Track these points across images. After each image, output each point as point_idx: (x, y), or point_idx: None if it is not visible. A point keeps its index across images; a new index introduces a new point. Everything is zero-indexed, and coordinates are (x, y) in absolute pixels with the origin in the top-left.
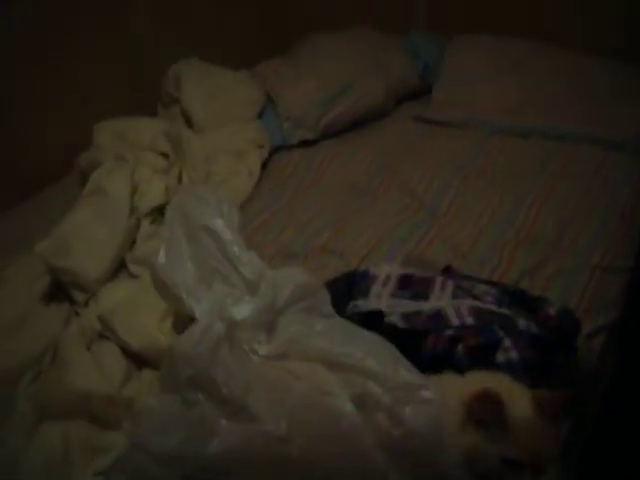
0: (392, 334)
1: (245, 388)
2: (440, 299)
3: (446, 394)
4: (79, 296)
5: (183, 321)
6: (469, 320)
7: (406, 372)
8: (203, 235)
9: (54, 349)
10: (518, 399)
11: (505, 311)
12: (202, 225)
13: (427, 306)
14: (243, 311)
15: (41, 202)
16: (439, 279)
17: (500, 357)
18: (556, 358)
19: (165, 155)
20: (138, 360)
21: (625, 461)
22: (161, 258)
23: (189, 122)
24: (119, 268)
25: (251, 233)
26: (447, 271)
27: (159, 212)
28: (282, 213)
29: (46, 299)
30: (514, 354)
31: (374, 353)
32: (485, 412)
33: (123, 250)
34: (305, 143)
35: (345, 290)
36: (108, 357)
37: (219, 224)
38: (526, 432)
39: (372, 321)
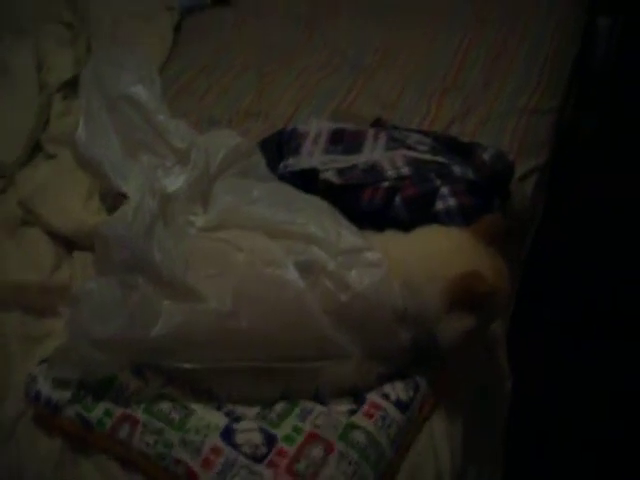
0: (327, 191)
1: (185, 266)
2: (374, 151)
3: (392, 254)
4: None
5: (111, 197)
6: (405, 170)
7: (350, 236)
8: (124, 104)
9: None
10: (476, 251)
11: (440, 159)
12: (122, 93)
13: (361, 159)
14: (175, 182)
15: None
16: (371, 131)
17: (438, 205)
18: (493, 203)
19: (69, 26)
20: (67, 243)
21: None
22: (81, 132)
23: None
24: (34, 150)
25: (170, 100)
26: (377, 123)
27: (71, 87)
28: (201, 76)
29: None
30: (452, 201)
31: (316, 218)
32: (472, 299)
33: (37, 130)
34: (218, 2)
35: (275, 150)
36: (35, 244)
37: (140, 91)
38: (498, 284)
39: (306, 179)
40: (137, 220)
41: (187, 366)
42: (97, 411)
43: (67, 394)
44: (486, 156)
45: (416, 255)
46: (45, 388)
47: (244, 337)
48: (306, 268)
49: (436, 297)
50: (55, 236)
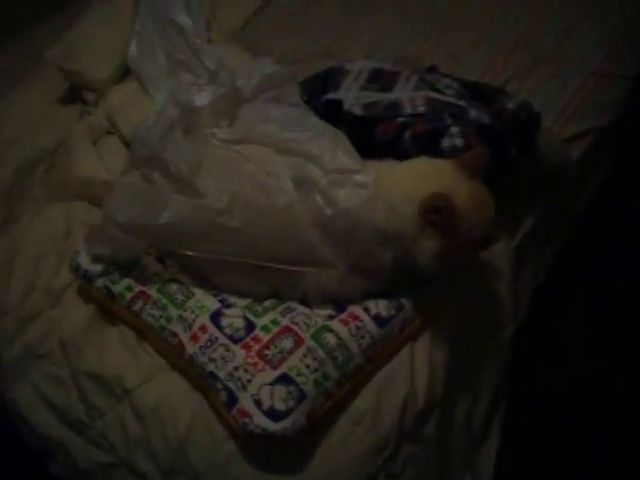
0: (350, 122)
1: (195, 167)
2: (402, 91)
3: (383, 179)
4: (89, 96)
5: None
6: (421, 109)
7: (344, 157)
8: (171, 29)
9: (66, 144)
10: (452, 178)
11: (461, 103)
12: (170, 19)
13: (387, 97)
14: (203, 98)
15: (63, 20)
16: (405, 72)
17: (445, 143)
18: (509, 151)
19: None
20: None
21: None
22: (132, 50)
23: None
24: (127, 71)
25: (260, 39)
26: (430, 70)
27: None
28: (292, 19)
29: (63, 102)
30: (459, 141)
31: (317, 138)
32: (441, 218)
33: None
34: None
35: (320, 85)
36: (112, 151)
37: (185, 18)
38: (473, 209)
39: (333, 110)
40: (157, 124)
41: (186, 253)
42: (120, 285)
43: (99, 268)
44: (510, 104)
45: (400, 181)
46: (84, 261)
47: (235, 234)
48: (301, 182)
49: (412, 217)
50: (129, 146)
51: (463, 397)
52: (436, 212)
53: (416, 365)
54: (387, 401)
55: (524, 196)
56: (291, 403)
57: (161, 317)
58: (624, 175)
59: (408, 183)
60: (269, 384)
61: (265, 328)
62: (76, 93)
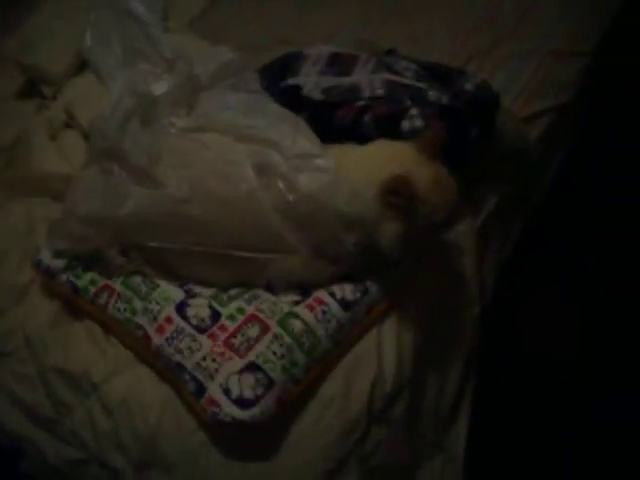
0: (310, 107)
1: (154, 157)
2: (361, 74)
3: (344, 163)
4: (47, 90)
5: None
6: (380, 91)
7: (304, 142)
8: (126, 18)
9: (25, 139)
10: (413, 160)
11: (420, 84)
12: (125, 8)
13: (346, 81)
14: (161, 87)
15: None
16: (364, 56)
17: (405, 125)
18: (469, 131)
19: None
20: None
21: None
22: (88, 41)
23: None
24: (85, 64)
25: (219, 27)
26: (389, 53)
27: None
28: (249, 6)
29: (20, 97)
30: (419, 122)
31: (277, 124)
32: (400, 201)
33: None
34: None
35: (279, 71)
36: (71, 143)
37: (140, 6)
38: (434, 191)
39: (292, 96)
40: (114, 115)
41: (149, 244)
42: (84, 279)
43: (62, 263)
44: (469, 85)
45: (361, 164)
46: (46, 257)
47: (198, 223)
48: (262, 169)
49: (373, 200)
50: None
51: (431, 378)
52: (396, 194)
53: (383, 348)
54: (355, 385)
55: (486, 176)
56: (259, 390)
57: (126, 310)
58: (584, 153)
59: (369, 166)
60: (237, 372)
61: (231, 317)
62: (33, 87)
